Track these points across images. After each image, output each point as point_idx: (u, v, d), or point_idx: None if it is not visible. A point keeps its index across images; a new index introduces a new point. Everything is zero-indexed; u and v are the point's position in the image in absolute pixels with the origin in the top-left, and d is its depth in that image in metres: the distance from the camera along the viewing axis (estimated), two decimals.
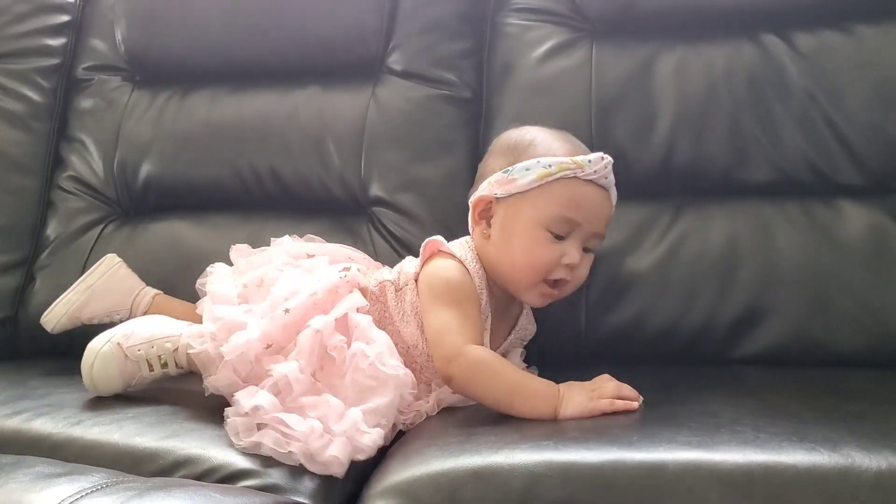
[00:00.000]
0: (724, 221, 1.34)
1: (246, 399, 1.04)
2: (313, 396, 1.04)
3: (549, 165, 1.13)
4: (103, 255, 1.50)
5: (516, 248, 1.14)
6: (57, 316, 1.38)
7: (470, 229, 1.22)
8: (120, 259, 1.41)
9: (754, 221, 1.33)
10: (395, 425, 1.10)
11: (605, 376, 1.06)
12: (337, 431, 0.99)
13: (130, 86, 1.64)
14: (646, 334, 1.32)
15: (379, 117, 1.48)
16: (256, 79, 1.57)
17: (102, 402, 1.19)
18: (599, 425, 0.98)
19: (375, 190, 1.47)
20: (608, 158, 1.14)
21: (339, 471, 0.97)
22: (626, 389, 1.04)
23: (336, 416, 1.01)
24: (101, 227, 1.57)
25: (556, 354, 1.30)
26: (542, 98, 1.42)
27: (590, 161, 1.13)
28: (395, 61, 1.52)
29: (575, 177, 1.13)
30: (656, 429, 0.94)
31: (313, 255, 1.27)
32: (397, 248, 1.43)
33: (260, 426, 1.02)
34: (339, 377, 1.07)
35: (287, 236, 1.34)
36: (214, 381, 1.11)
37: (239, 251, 1.32)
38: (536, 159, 1.14)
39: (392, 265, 1.35)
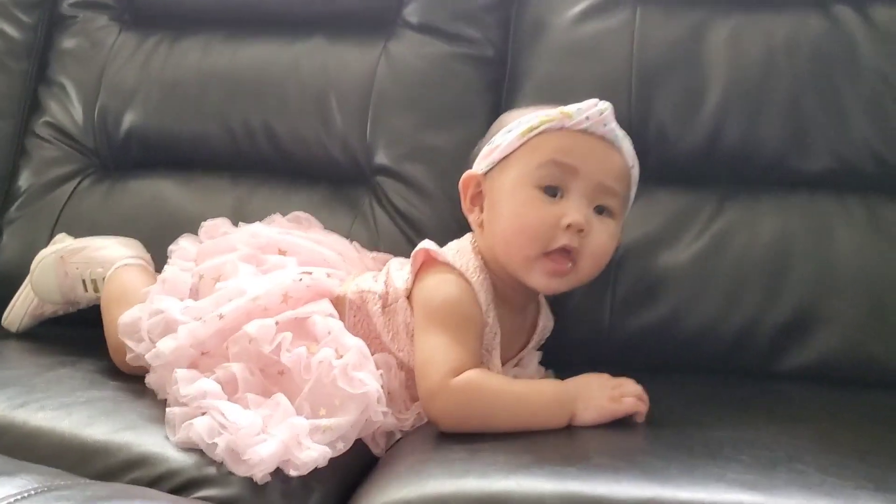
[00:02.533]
0: (775, 215, 1.23)
1: (186, 384, 0.93)
2: (261, 397, 0.93)
3: (533, 119, 1.01)
4: (77, 212, 1.42)
5: (504, 218, 1.00)
6: (18, 316, 1.28)
7: (471, 224, 1.08)
8: (70, 239, 1.31)
9: (809, 217, 1.23)
10: (393, 432, 0.98)
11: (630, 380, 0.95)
12: (274, 435, 0.86)
13: (118, 26, 1.52)
14: (678, 339, 1.21)
15: (390, 75, 1.37)
16: (255, 26, 1.46)
17: (55, 382, 1.06)
18: (628, 449, 0.87)
19: (381, 157, 1.36)
20: (604, 104, 1.01)
21: (260, 474, 0.84)
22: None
23: (281, 418, 0.89)
24: (77, 180, 1.46)
25: (574, 356, 1.17)
26: (577, 62, 1.30)
27: (579, 108, 1.00)
28: (411, 13, 1.40)
29: (563, 127, 1.00)
30: (699, 461, 0.81)
31: (285, 251, 1.13)
32: (402, 224, 1.32)
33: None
34: (297, 390, 0.93)
35: (258, 223, 1.20)
36: (148, 380, 1.03)
37: (209, 230, 1.20)
38: (518, 119, 1.04)
39: (394, 244, 1.28)
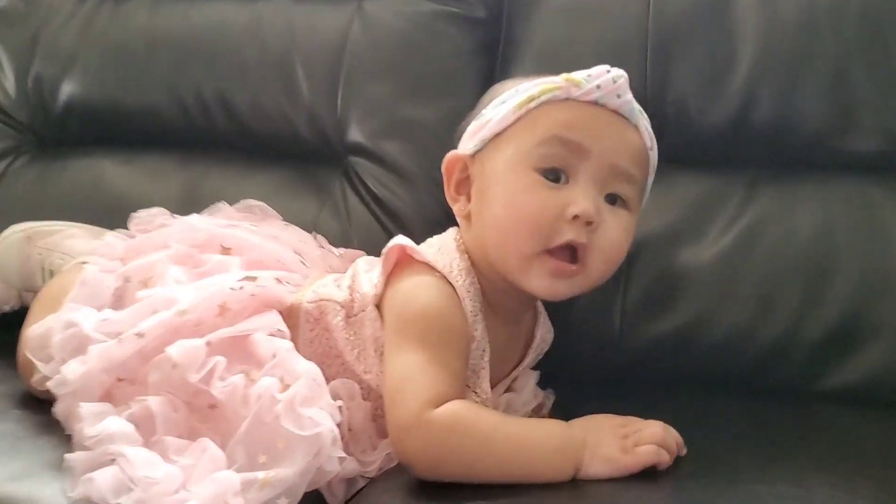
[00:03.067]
0: (815, 204, 1.13)
1: (92, 422, 0.80)
2: (185, 440, 0.79)
3: (532, 88, 0.90)
4: (7, 197, 1.33)
5: (496, 208, 0.89)
6: None
7: (456, 216, 0.96)
8: None
9: (856, 206, 1.13)
10: (354, 479, 0.84)
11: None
12: (195, 493, 0.73)
13: None
14: (701, 350, 1.11)
15: (364, 38, 1.29)
16: None
17: None
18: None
19: (354, 133, 1.27)
20: (617, 71, 0.89)
21: None
22: (672, 437, 0.80)
23: (207, 470, 0.75)
24: (9, 160, 1.38)
25: (580, 370, 1.09)
26: (583, 24, 1.20)
27: (588, 75, 0.89)
28: None
29: (569, 98, 0.89)
30: None
31: (229, 249, 0.99)
32: (378, 212, 1.22)
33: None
34: (231, 429, 0.79)
35: (195, 215, 1.09)
36: (55, 410, 0.88)
37: (142, 222, 1.08)
38: (514, 88, 0.93)
39: (369, 236, 1.18)
